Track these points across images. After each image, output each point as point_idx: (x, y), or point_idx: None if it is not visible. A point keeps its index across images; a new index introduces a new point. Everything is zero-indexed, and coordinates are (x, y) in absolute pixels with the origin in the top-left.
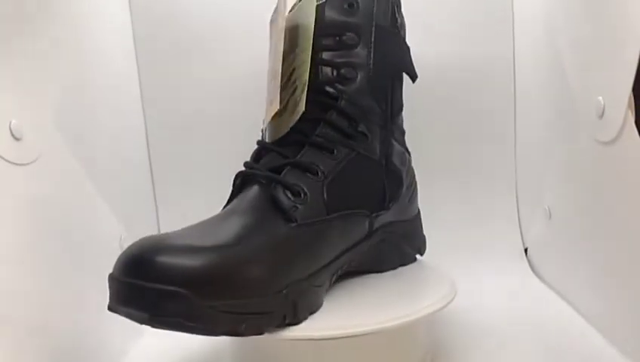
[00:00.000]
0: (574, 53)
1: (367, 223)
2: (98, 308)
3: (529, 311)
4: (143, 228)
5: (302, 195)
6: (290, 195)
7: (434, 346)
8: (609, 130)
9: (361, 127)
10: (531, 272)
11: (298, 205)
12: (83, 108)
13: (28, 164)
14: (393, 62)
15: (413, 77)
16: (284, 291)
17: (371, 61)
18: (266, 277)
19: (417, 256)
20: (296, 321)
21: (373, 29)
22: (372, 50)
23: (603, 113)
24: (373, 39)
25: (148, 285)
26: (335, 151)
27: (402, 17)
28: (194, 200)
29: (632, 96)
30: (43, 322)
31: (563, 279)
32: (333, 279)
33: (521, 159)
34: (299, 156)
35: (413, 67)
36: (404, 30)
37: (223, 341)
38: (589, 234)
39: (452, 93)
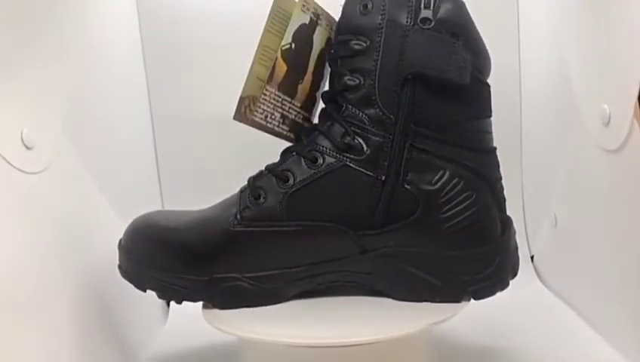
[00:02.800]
0: (580, 62)
1: (351, 240)
2: (106, 315)
3: (535, 318)
4: None
5: (260, 199)
6: (250, 198)
7: (439, 352)
8: (615, 139)
9: (358, 139)
10: (537, 279)
11: (251, 207)
12: (92, 116)
13: (39, 172)
14: (410, 63)
15: (452, 78)
16: (206, 278)
17: (378, 65)
18: (189, 260)
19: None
20: (220, 307)
21: (384, 28)
22: (380, 52)
23: (609, 121)
24: (382, 40)
25: (125, 247)
26: (318, 161)
27: (439, 10)
28: (201, 206)
29: (637, 104)
30: (49, 329)
31: (569, 286)
32: (314, 287)
33: (527, 167)
34: (282, 162)
35: (457, 67)
36: (447, 25)
37: (232, 345)
38: (595, 241)
39: None
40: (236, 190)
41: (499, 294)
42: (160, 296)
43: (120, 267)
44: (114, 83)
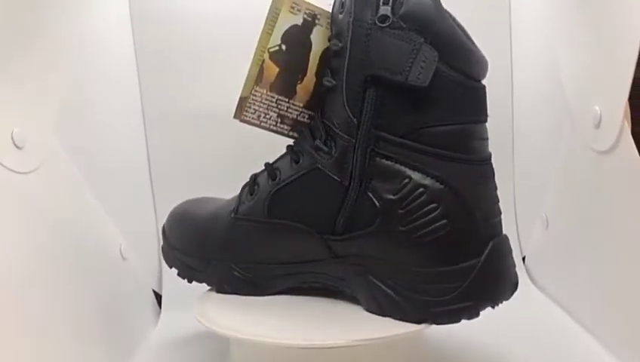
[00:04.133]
0: (571, 64)
1: (320, 243)
2: (98, 316)
3: (527, 319)
4: (143, 237)
5: (253, 195)
6: (247, 193)
7: (429, 354)
8: (606, 140)
9: (330, 142)
10: (529, 280)
11: (245, 202)
12: (83, 116)
13: (29, 172)
14: (369, 64)
15: (408, 80)
16: (207, 263)
17: (345, 66)
18: (197, 244)
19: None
20: (216, 291)
21: (351, 27)
22: (348, 52)
23: (600, 123)
24: (349, 40)
25: (163, 229)
26: (301, 161)
27: (401, 6)
28: None
29: (628, 105)
30: (43, 328)
31: (561, 287)
32: (298, 285)
33: (518, 168)
34: (278, 160)
35: (416, 67)
36: (410, 21)
37: (223, 346)
38: (587, 242)
39: None
40: (229, 190)
41: None
42: (178, 274)
43: (162, 246)
44: (106, 83)
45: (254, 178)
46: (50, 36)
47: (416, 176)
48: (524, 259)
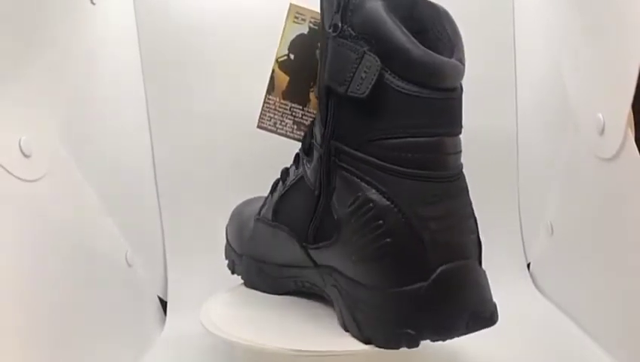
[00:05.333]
0: (575, 71)
1: (303, 251)
2: (104, 322)
3: (531, 325)
4: (148, 244)
5: (272, 197)
6: (269, 196)
7: (430, 358)
8: (609, 147)
9: (311, 151)
10: (534, 287)
11: (266, 204)
12: (90, 124)
13: (36, 180)
14: (326, 75)
15: (348, 91)
16: (241, 256)
17: (319, 76)
18: (236, 240)
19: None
20: (245, 285)
21: (324, 38)
22: (319, 62)
23: (603, 130)
24: (320, 50)
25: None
26: (299, 166)
27: (350, 14)
28: (199, 214)
29: (631, 113)
30: (48, 335)
31: (565, 293)
32: (298, 289)
33: (523, 175)
34: (291, 165)
35: (357, 78)
36: (358, 29)
37: (229, 352)
38: (591, 249)
39: None
40: (235, 195)
41: (495, 300)
42: (227, 266)
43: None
44: (112, 91)
45: (276, 181)
46: (56, 45)
47: (366, 190)
48: (528, 265)
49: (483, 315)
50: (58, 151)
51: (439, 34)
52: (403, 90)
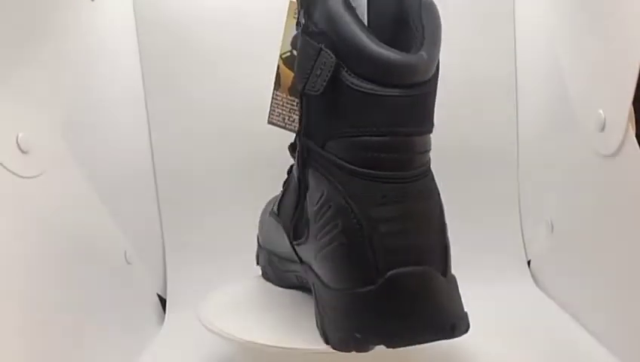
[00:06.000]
0: (575, 67)
1: (290, 246)
2: (103, 320)
3: (531, 322)
4: (148, 242)
5: (280, 193)
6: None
7: (433, 356)
8: (610, 144)
9: (296, 148)
10: (534, 284)
11: (277, 198)
12: (88, 121)
13: (34, 177)
14: (295, 72)
15: (305, 89)
16: (262, 248)
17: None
18: (259, 231)
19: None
20: (262, 275)
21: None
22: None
23: (604, 126)
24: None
25: None
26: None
27: (309, 10)
28: (198, 213)
29: (632, 109)
30: (47, 332)
31: (565, 291)
32: (298, 282)
33: (523, 171)
34: None
35: (313, 76)
36: (316, 25)
37: (228, 349)
38: (591, 246)
39: (454, 106)
40: (233, 194)
41: (496, 297)
42: (255, 255)
43: None
44: (111, 87)
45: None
46: (54, 41)
47: (328, 189)
48: (529, 262)
49: (440, 326)
50: (56, 148)
51: (416, 25)
52: (357, 88)
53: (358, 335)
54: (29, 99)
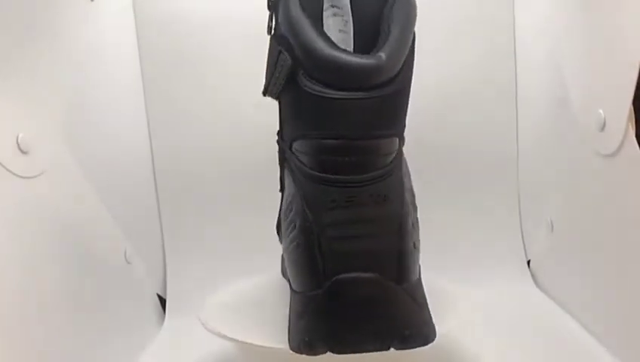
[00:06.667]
0: (575, 67)
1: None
2: (103, 320)
3: (531, 322)
4: (147, 242)
5: None
6: None
7: (433, 357)
8: (610, 143)
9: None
10: (534, 284)
11: None
12: (89, 121)
13: (34, 177)
14: None
15: (267, 93)
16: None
17: None
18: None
19: None
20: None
21: None
22: None
23: (604, 126)
24: None
25: None
26: None
27: (275, 12)
28: (197, 213)
29: (632, 109)
30: (46, 332)
31: (565, 291)
32: None
33: (523, 171)
34: None
35: (272, 79)
36: (278, 28)
37: (228, 350)
38: (591, 246)
39: (455, 106)
40: (233, 194)
41: (496, 297)
42: None
43: None
44: (110, 88)
45: None
46: (54, 41)
47: (293, 189)
48: (529, 262)
49: (387, 335)
50: (56, 149)
51: (383, 26)
52: (311, 91)
53: (306, 339)
54: (29, 100)
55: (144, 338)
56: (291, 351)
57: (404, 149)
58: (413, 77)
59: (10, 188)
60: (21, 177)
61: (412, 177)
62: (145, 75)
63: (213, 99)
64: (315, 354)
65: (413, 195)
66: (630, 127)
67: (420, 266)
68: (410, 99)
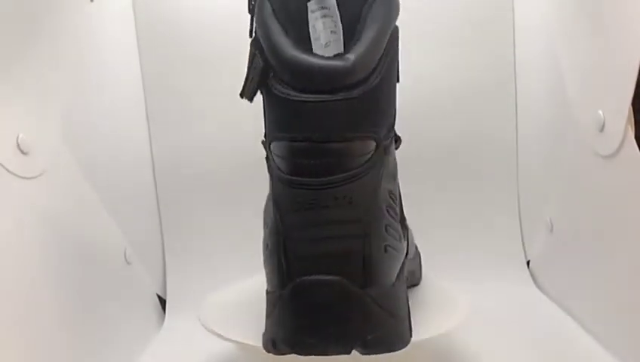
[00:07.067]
0: (575, 68)
1: None
2: (102, 320)
3: (531, 323)
4: (147, 242)
5: None
6: None
7: (433, 357)
8: (609, 144)
9: None
10: (533, 284)
11: None
12: (89, 122)
13: (34, 177)
14: None
15: (244, 96)
16: None
17: None
18: None
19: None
20: None
21: None
22: None
23: (603, 127)
24: None
25: None
26: None
27: (255, 20)
28: (197, 213)
29: (631, 110)
30: (46, 333)
31: (565, 291)
32: None
33: (523, 173)
34: None
35: (248, 82)
36: (256, 41)
37: (228, 351)
38: (591, 246)
39: (454, 106)
40: (233, 194)
41: (495, 298)
42: None
43: None
44: (111, 88)
45: None
46: (54, 42)
47: (269, 191)
48: (528, 263)
49: (348, 339)
50: (56, 149)
51: (362, 23)
52: (279, 93)
53: (272, 338)
54: (29, 100)
55: (144, 339)
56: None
57: (404, 149)
58: (417, 76)
59: (10, 188)
60: (21, 177)
61: (411, 178)
62: (145, 75)
63: (214, 98)
64: (281, 353)
65: (394, 197)
66: (629, 128)
67: (409, 271)
68: (398, 98)
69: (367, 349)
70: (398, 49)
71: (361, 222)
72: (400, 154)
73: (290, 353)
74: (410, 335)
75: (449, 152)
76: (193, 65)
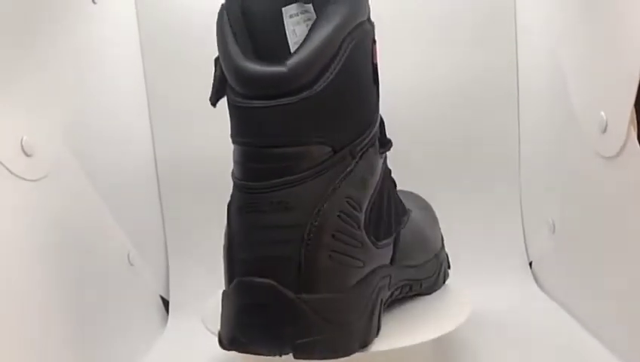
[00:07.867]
0: (577, 69)
1: None
2: (106, 322)
3: (534, 323)
4: (151, 244)
5: None
6: None
7: (434, 357)
8: (612, 145)
9: None
10: (536, 285)
11: None
12: (92, 124)
13: (38, 179)
14: None
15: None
16: None
17: None
18: None
19: None
20: None
21: None
22: None
23: (606, 128)
24: None
25: None
26: None
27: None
28: (201, 216)
29: (634, 111)
30: (49, 334)
31: (567, 292)
32: None
33: (525, 173)
34: None
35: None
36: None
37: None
38: (593, 247)
39: (456, 107)
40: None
41: (497, 299)
42: None
43: None
44: (114, 90)
45: None
46: (57, 44)
47: None
48: (530, 264)
49: (278, 342)
50: (60, 151)
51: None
52: (231, 100)
53: (219, 335)
54: (32, 103)
55: (147, 340)
56: None
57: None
58: (418, 77)
59: (13, 190)
60: (25, 180)
61: (412, 178)
62: (148, 76)
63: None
64: (226, 349)
65: (354, 204)
66: (632, 129)
67: (412, 281)
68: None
69: (298, 354)
70: (367, 50)
71: (299, 227)
72: (401, 155)
73: (231, 350)
74: (363, 346)
75: (451, 153)
76: (196, 66)
